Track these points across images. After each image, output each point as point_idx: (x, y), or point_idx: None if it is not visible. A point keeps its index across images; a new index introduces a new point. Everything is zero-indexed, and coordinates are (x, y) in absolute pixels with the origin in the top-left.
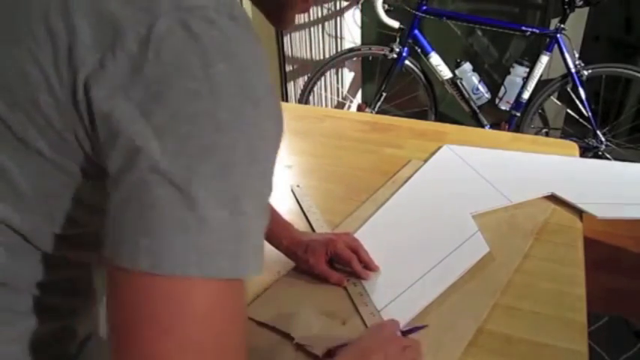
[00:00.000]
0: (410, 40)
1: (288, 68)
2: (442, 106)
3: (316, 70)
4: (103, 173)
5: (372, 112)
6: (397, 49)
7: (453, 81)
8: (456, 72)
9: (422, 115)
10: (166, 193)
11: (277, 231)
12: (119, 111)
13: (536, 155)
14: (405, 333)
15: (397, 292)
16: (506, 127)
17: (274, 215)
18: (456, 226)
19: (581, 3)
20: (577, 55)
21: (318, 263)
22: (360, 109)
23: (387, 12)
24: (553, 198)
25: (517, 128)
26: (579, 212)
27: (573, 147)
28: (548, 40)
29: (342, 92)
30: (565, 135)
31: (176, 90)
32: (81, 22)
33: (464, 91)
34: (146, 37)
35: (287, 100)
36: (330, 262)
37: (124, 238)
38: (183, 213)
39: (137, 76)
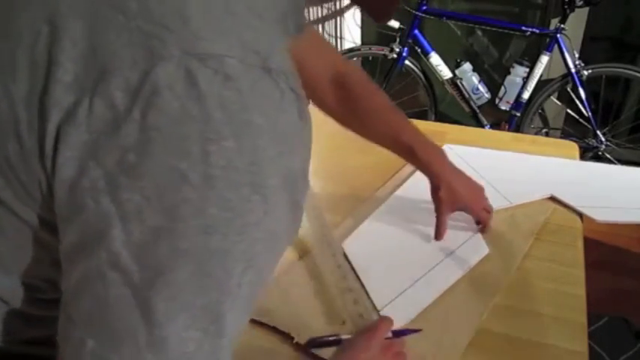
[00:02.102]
0: (410, 40)
1: None
2: (442, 106)
3: None
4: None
5: None
6: (397, 49)
7: (453, 81)
8: (456, 72)
9: (422, 115)
10: (123, 294)
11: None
12: (85, 180)
13: (536, 157)
14: (396, 334)
15: (397, 292)
16: (506, 127)
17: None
18: (455, 227)
19: (581, 3)
20: (577, 55)
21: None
22: None
23: None
24: (553, 198)
25: (517, 128)
26: (579, 213)
27: (573, 147)
28: (548, 40)
29: None
30: (565, 135)
31: (158, 167)
32: (66, 56)
33: (464, 91)
34: (137, 85)
35: None
36: None
37: (72, 331)
38: (137, 325)
39: (113, 135)
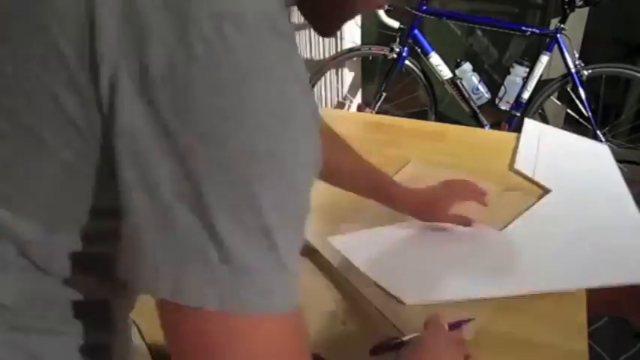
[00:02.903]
0: (410, 40)
1: None
2: (442, 106)
3: (316, 70)
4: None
5: (372, 112)
6: (397, 49)
7: (453, 81)
8: (456, 72)
9: (422, 115)
10: (188, 220)
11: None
12: (139, 126)
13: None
14: (452, 326)
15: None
16: (507, 127)
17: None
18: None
19: (581, 3)
20: (577, 55)
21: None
22: (360, 109)
23: (387, 12)
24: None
25: (517, 128)
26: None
27: None
28: (548, 40)
29: (342, 92)
30: None
31: (205, 108)
32: (105, 17)
33: (464, 91)
34: (175, 43)
35: None
36: None
37: (143, 262)
38: (204, 243)
39: (162, 87)
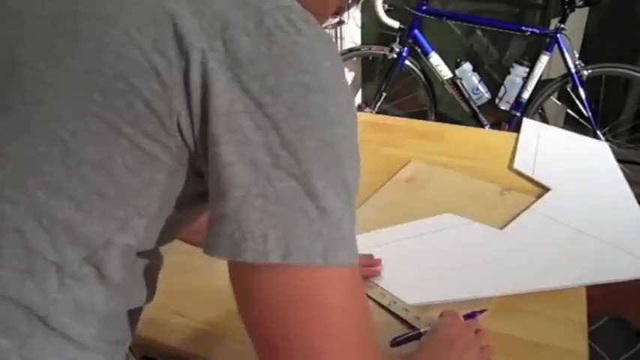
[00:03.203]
0: (410, 40)
1: None
2: (442, 106)
3: None
4: (198, 169)
5: (371, 112)
6: (397, 49)
7: (453, 81)
8: (456, 72)
9: (422, 115)
10: (289, 186)
11: None
12: (234, 105)
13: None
14: (466, 317)
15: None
16: (507, 127)
17: None
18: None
19: (581, 3)
20: (577, 55)
21: None
22: (360, 109)
23: (387, 12)
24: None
25: (517, 128)
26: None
27: None
28: (548, 40)
29: None
30: None
31: (291, 83)
32: (182, 11)
33: (464, 91)
34: (256, 31)
35: None
36: None
37: (249, 234)
38: (306, 204)
39: (251, 68)
